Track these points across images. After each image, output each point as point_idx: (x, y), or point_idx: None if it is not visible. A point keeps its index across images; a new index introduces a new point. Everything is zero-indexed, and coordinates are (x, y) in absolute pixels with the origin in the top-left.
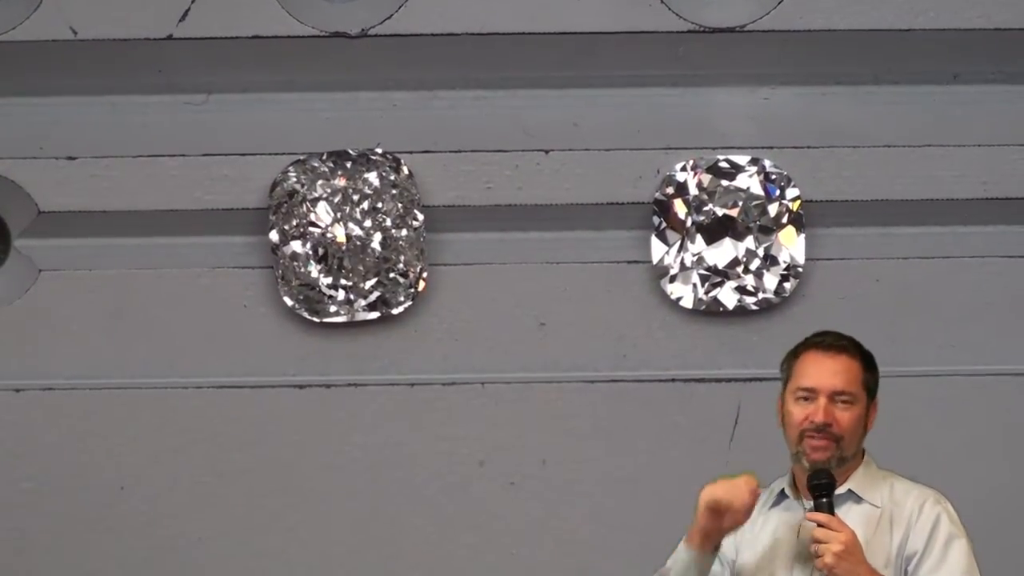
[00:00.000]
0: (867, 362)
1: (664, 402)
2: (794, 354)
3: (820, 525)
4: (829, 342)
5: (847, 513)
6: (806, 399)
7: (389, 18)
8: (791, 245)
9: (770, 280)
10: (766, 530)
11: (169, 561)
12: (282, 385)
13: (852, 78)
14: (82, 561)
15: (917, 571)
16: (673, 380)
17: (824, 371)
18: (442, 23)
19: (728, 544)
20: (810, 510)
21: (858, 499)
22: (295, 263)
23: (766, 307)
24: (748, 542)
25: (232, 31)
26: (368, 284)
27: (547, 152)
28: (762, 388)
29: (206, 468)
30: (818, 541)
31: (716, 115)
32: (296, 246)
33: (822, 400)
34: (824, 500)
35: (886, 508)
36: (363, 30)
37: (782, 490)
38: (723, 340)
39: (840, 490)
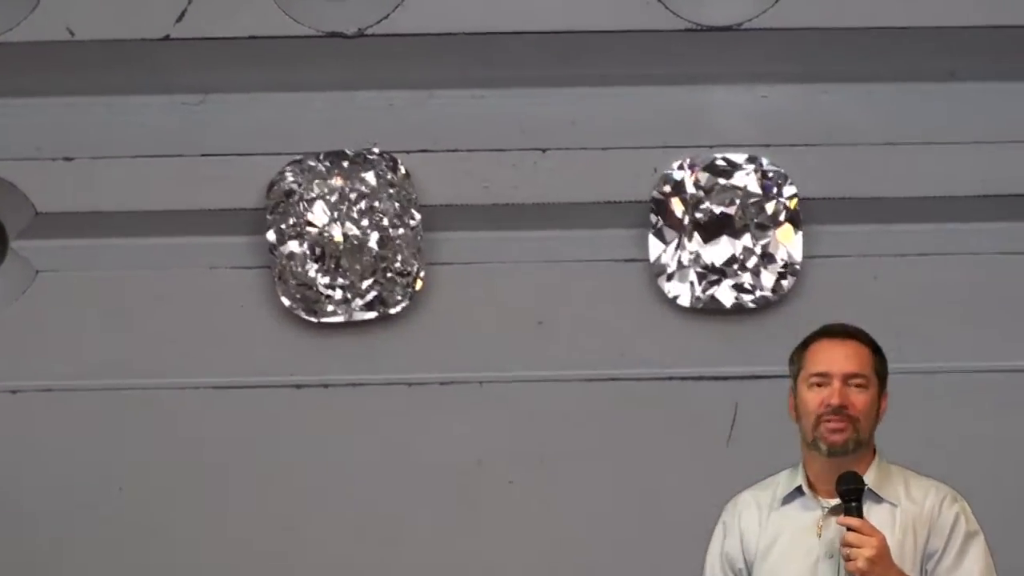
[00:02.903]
0: (876, 350)
1: (662, 400)
2: (804, 345)
3: (849, 529)
4: (839, 330)
5: (868, 512)
6: (820, 384)
7: (386, 18)
8: (788, 243)
9: (767, 278)
10: (781, 530)
11: (167, 562)
12: (280, 385)
13: (849, 75)
14: (80, 562)
15: (936, 570)
16: (671, 378)
17: (836, 356)
18: (438, 22)
19: (736, 552)
20: (830, 510)
21: (877, 498)
22: (292, 263)
23: (764, 305)
24: (762, 546)
25: (229, 31)
26: (365, 284)
27: (544, 151)
28: (760, 386)
29: (204, 468)
30: (849, 545)
31: (713, 113)
32: (293, 246)
33: (836, 383)
34: (854, 504)
35: (905, 508)
36: (360, 30)
37: (798, 487)
38: (721, 338)
39: None
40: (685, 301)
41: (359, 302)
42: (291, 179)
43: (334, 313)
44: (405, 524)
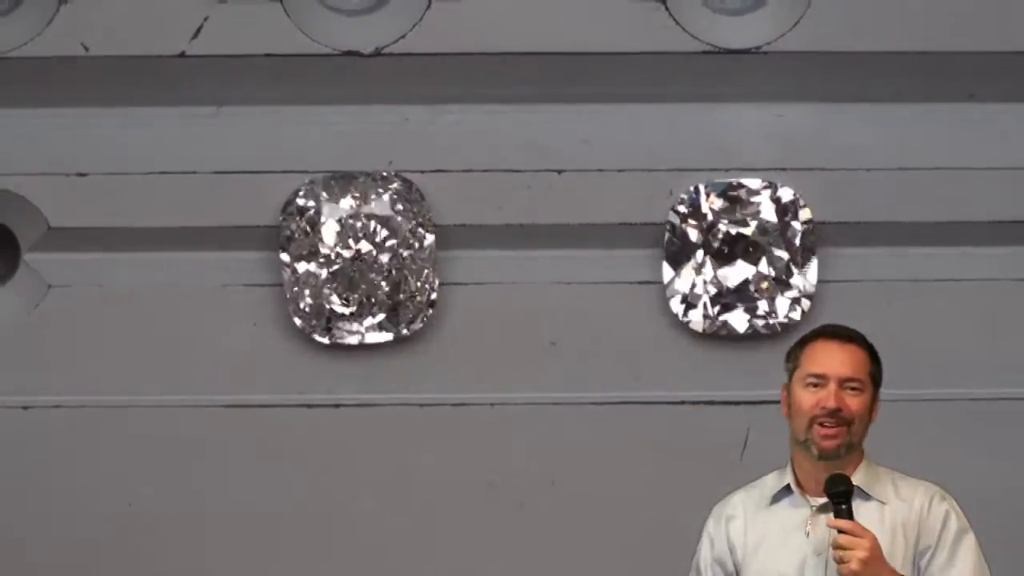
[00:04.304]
0: (873, 355)
1: (674, 424)
2: (801, 344)
3: (841, 531)
4: (839, 332)
5: (856, 509)
6: (816, 385)
7: (403, 37)
8: (803, 267)
9: (781, 302)
10: (769, 529)
11: None
12: (291, 404)
13: (867, 98)
14: None
15: (929, 568)
16: (683, 402)
17: (835, 358)
18: (456, 42)
19: (725, 556)
20: (818, 508)
21: (866, 496)
22: (305, 282)
23: (777, 329)
24: (751, 545)
25: (245, 49)
26: (378, 303)
27: (560, 172)
28: (772, 411)
29: (214, 486)
30: (841, 547)
31: (730, 136)
32: (307, 264)
33: (832, 386)
34: (844, 507)
35: (895, 507)
36: (376, 49)
37: (787, 485)
38: (733, 362)
39: None
40: (698, 326)
41: (371, 321)
42: (305, 198)
43: (346, 332)
44: (415, 546)
